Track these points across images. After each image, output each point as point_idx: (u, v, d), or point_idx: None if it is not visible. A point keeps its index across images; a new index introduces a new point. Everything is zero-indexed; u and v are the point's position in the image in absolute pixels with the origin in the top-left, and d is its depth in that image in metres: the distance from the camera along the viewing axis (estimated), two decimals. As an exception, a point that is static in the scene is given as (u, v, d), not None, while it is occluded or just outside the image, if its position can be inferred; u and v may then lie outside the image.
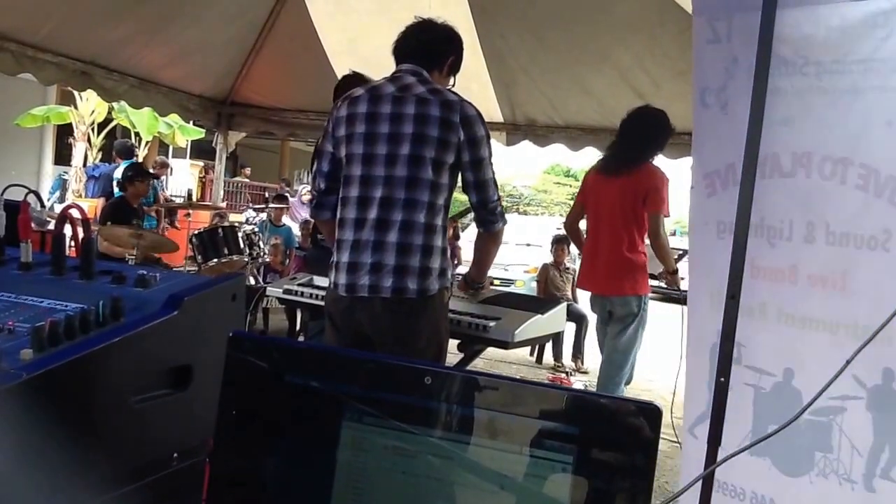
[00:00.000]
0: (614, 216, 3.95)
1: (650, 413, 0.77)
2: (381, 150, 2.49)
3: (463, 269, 11.34)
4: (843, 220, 2.04)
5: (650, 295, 4.03)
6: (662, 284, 4.53)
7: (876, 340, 1.92)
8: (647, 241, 4.03)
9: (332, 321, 2.63)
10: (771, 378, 2.23)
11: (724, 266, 2.24)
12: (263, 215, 7.96)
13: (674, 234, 23.62)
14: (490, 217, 2.61)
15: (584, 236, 4.28)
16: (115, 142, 9.06)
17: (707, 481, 1.93)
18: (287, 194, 11.81)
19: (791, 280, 2.14)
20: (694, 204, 2.45)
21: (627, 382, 4.25)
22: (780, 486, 2.19)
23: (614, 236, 3.94)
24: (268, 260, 6.38)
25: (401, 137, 2.47)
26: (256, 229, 6.34)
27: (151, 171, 8.22)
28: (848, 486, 2.06)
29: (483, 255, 2.78)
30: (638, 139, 3.98)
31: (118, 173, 8.13)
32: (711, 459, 1.97)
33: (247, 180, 18.17)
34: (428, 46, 2.67)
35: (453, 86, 2.76)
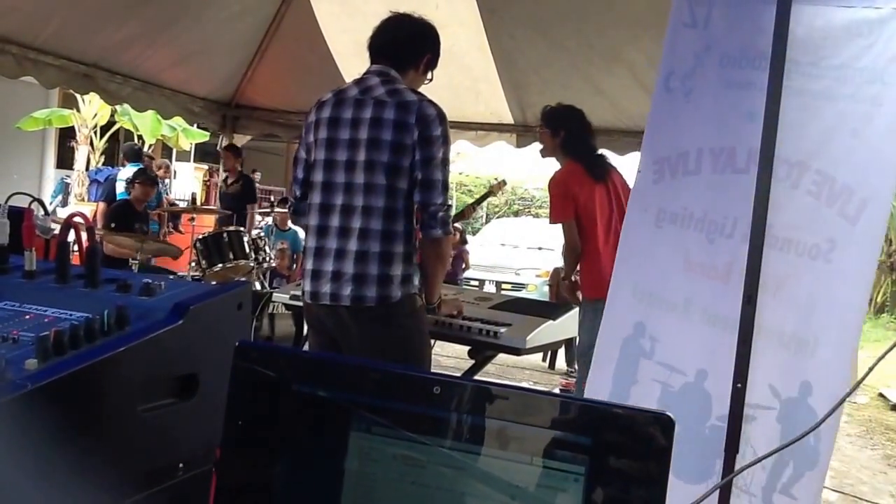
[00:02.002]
0: (621, 213, 3.98)
1: (663, 422, 0.76)
2: (342, 156, 2.47)
3: (469, 274, 11.27)
4: (788, 224, 1.99)
5: None
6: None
7: (799, 351, 1.93)
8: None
9: (310, 326, 2.64)
10: (681, 377, 2.15)
11: (657, 258, 2.24)
12: (269, 219, 7.96)
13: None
14: (430, 221, 2.46)
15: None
16: (124, 144, 9.08)
17: (724, 491, 1.90)
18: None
19: (723, 279, 2.08)
20: (637, 188, 2.38)
21: None
22: (676, 492, 2.10)
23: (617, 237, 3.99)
24: (273, 265, 6.37)
25: (358, 143, 2.45)
26: (262, 234, 6.33)
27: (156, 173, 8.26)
28: (746, 497, 1.99)
29: (426, 269, 2.57)
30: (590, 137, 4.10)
31: (123, 175, 8.15)
32: (728, 468, 1.94)
33: (258, 185, 18.15)
34: (400, 45, 2.61)
35: (430, 80, 2.72)
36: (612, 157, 4.54)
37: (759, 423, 1.97)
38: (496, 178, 6.11)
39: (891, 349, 1.40)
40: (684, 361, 2.15)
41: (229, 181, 7.66)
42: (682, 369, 2.15)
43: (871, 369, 1.42)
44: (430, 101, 2.49)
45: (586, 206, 3.91)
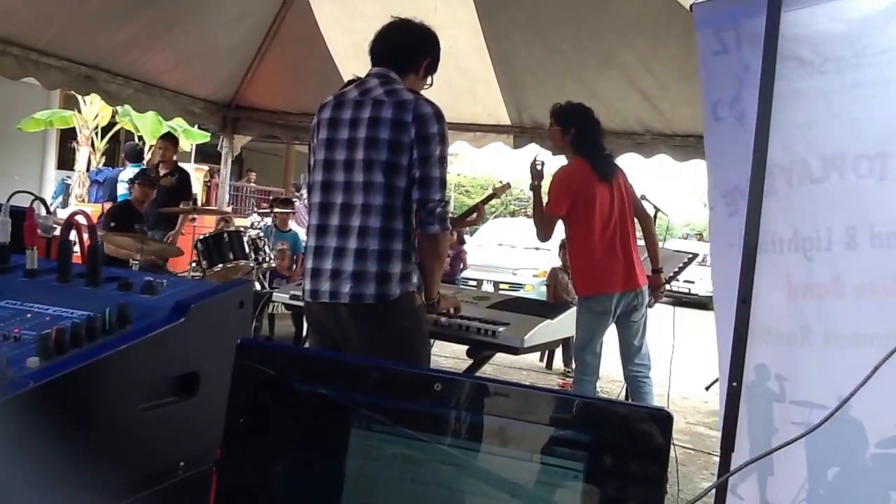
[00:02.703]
0: (623, 214, 4.02)
1: (661, 419, 0.76)
2: (340, 155, 2.50)
3: (467, 274, 11.28)
4: (889, 217, 1.86)
5: (665, 300, 4.09)
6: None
7: None
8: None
9: (310, 325, 2.66)
10: (822, 411, 1.88)
11: (756, 294, 2.06)
12: (269, 220, 7.96)
13: (685, 237, 23.56)
14: (428, 217, 2.48)
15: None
16: (125, 144, 9.04)
17: (720, 490, 1.88)
18: (296, 199, 11.82)
19: (836, 294, 1.92)
20: (714, 226, 2.29)
21: None
22: None
23: (626, 233, 4.01)
24: (273, 265, 6.37)
25: (356, 142, 2.48)
26: (262, 234, 6.33)
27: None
28: None
29: (424, 265, 2.60)
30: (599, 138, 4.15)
31: (124, 175, 8.13)
32: (725, 467, 1.92)
33: (253, 185, 18.22)
34: (400, 50, 2.64)
35: (430, 85, 2.74)
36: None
37: None
38: (500, 181, 6.10)
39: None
40: (821, 393, 1.94)
41: (162, 172, 6.94)
42: (821, 402, 1.94)
43: (876, 368, 1.39)
44: (427, 100, 2.51)
45: (586, 204, 3.92)
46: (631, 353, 4.05)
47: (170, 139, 7.22)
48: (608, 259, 3.91)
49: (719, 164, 2.31)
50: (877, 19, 1.93)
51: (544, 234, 4.07)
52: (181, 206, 6.62)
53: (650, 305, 4.22)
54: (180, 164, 7.34)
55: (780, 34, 2.01)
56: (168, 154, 7.08)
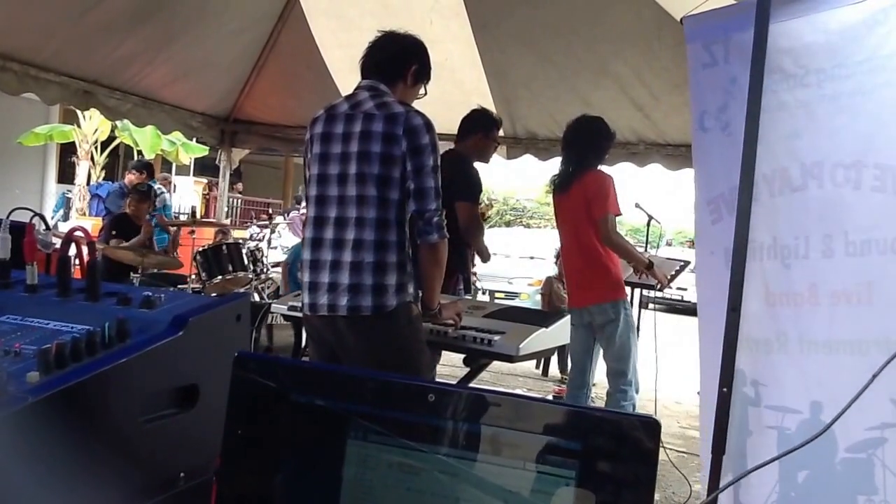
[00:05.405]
0: (576, 228, 4.00)
1: (649, 426, 0.78)
2: (334, 169, 2.52)
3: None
4: (863, 226, 1.90)
5: (654, 306, 4.04)
6: (650, 283, 4.53)
7: None
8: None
9: (310, 338, 2.68)
10: (796, 416, 1.98)
11: None
12: (267, 231, 7.96)
13: (669, 244, 23.48)
14: (426, 227, 2.49)
15: None
16: (136, 161, 8.97)
17: (714, 488, 1.89)
18: (296, 210, 11.88)
19: (811, 302, 1.96)
20: (697, 233, 2.34)
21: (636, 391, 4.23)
22: None
23: (581, 248, 3.98)
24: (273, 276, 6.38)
25: (349, 157, 2.49)
26: (259, 244, 6.34)
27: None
28: None
29: (424, 274, 2.58)
30: (579, 150, 4.05)
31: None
32: (715, 470, 1.93)
33: (239, 195, 18.25)
34: (386, 61, 2.65)
35: (424, 95, 2.76)
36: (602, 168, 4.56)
37: (891, 445, 1.79)
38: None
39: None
40: (794, 398, 2.00)
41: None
42: (794, 407, 2.00)
43: (881, 369, 1.39)
44: (417, 112, 2.53)
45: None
46: (607, 370, 4.07)
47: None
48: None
49: (704, 173, 2.35)
50: (856, 29, 1.96)
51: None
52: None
53: (659, 289, 4.21)
54: (178, 176, 7.30)
55: (770, 46, 2.03)
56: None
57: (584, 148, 4.04)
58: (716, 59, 2.26)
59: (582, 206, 3.91)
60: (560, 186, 4.09)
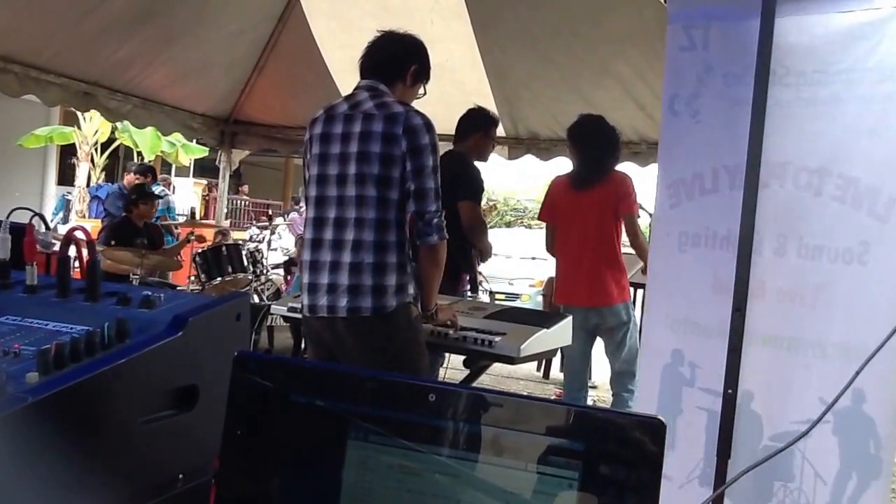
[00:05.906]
0: (599, 227, 3.98)
1: (654, 427, 0.77)
2: (333, 170, 2.52)
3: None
4: (817, 232, 1.96)
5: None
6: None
7: (847, 359, 1.87)
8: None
9: (309, 339, 2.67)
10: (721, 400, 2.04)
11: (684, 282, 2.18)
12: (267, 232, 7.97)
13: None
14: (426, 228, 2.50)
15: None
16: (138, 165, 8.96)
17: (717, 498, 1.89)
18: (296, 211, 11.90)
19: (757, 296, 2.01)
20: (656, 215, 2.37)
21: None
22: None
23: (599, 247, 3.97)
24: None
25: (348, 157, 2.49)
26: (259, 245, 6.34)
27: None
28: None
29: (423, 275, 2.60)
30: (600, 149, 4.06)
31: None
32: (721, 474, 1.93)
33: (246, 198, 18.28)
34: (384, 60, 2.66)
35: (424, 95, 2.75)
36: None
37: (814, 438, 1.86)
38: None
39: (887, 339, 1.39)
40: (722, 384, 2.04)
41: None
42: (721, 393, 2.04)
43: (863, 366, 1.41)
44: (417, 112, 2.53)
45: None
46: (613, 372, 4.08)
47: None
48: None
49: (668, 157, 2.37)
50: (840, 38, 1.98)
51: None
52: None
53: None
54: (178, 178, 7.32)
55: (747, 42, 2.04)
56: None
57: (604, 147, 4.06)
58: (694, 44, 2.25)
59: (608, 205, 3.93)
60: (580, 184, 4.05)
